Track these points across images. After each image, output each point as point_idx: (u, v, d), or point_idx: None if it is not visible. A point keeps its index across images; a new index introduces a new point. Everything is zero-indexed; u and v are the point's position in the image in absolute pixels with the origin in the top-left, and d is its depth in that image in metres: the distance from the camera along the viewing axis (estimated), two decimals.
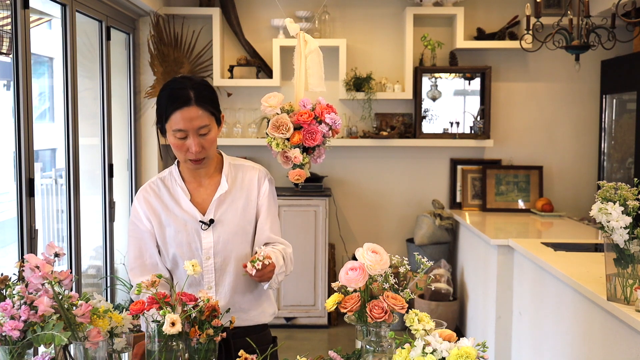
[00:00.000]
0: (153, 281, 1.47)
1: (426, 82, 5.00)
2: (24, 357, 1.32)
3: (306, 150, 1.87)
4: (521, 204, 4.98)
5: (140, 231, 1.97)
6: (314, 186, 4.79)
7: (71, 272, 1.38)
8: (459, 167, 5.10)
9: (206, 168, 1.97)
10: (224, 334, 1.52)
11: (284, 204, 4.71)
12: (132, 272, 1.97)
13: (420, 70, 4.94)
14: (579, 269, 2.81)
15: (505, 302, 3.67)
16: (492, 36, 4.92)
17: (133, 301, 1.60)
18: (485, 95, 4.96)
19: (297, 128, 1.84)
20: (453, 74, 5.03)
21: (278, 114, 1.86)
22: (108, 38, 4.03)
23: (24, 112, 2.82)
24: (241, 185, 2.00)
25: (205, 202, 1.96)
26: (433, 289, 4.48)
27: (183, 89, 1.84)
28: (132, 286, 1.85)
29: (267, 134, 1.89)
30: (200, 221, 1.93)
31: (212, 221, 1.93)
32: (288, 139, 1.85)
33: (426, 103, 5.01)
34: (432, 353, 1.23)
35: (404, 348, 1.27)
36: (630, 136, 4.43)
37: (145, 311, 1.45)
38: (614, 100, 4.80)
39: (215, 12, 4.83)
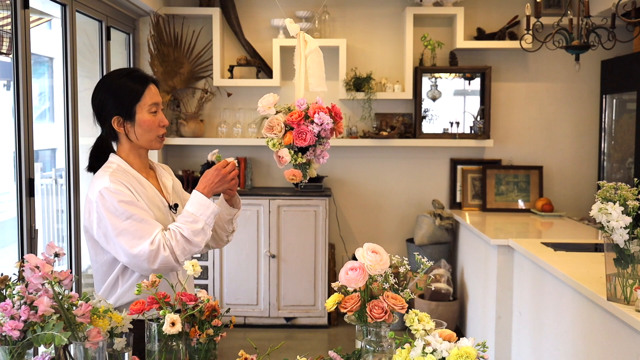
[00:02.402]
0: (153, 281, 1.47)
1: (426, 82, 5.00)
2: (24, 357, 1.32)
3: (301, 150, 1.87)
4: (521, 204, 4.98)
5: (141, 204, 1.93)
6: (314, 186, 4.79)
7: (71, 272, 1.38)
8: (459, 167, 5.10)
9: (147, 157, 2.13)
10: (224, 334, 1.52)
11: (284, 204, 4.71)
12: (160, 233, 1.90)
13: (420, 70, 4.94)
14: (579, 269, 2.81)
15: (505, 302, 3.67)
16: (492, 36, 4.92)
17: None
18: (485, 95, 4.96)
19: (291, 128, 1.84)
20: (453, 74, 5.03)
21: (273, 114, 1.87)
22: (108, 38, 4.03)
23: (24, 112, 2.82)
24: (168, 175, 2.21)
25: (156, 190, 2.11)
26: (433, 289, 4.48)
27: (138, 71, 2.06)
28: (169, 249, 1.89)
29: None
30: (170, 206, 2.06)
31: (176, 205, 2.09)
32: (282, 139, 1.86)
33: (426, 103, 5.01)
34: (432, 353, 1.23)
35: (404, 348, 1.27)
36: (630, 136, 4.43)
37: (145, 311, 1.45)
38: (614, 100, 4.80)
39: (215, 12, 4.83)
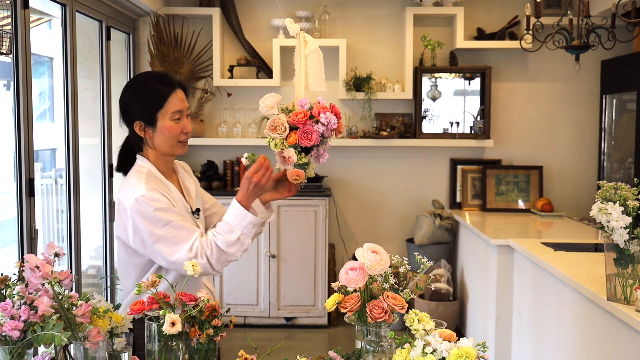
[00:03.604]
0: (153, 281, 1.47)
1: (426, 82, 5.00)
2: (24, 357, 1.32)
3: (305, 150, 1.86)
4: (521, 204, 4.98)
5: (176, 209, 1.92)
6: (314, 186, 4.79)
7: (71, 272, 1.38)
8: (459, 167, 5.10)
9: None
10: (224, 334, 1.52)
11: (284, 204, 4.71)
12: (198, 236, 1.89)
13: (420, 70, 4.94)
14: (579, 269, 2.81)
15: (505, 302, 3.67)
16: (492, 36, 4.92)
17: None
18: (485, 95, 4.96)
19: (294, 128, 1.84)
20: (453, 74, 5.03)
21: (276, 114, 1.86)
22: (108, 38, 4.03)
23: (24, 112, 2.82)
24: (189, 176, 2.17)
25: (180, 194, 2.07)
26: (433, 289, 4.48)
27: (167, 76, 2.00)
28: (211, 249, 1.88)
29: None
30: (193, 212, 2.03)
31: (198, 210, 2.07)
32: (285, 140, 1.85)
33: (426, 103, 5.01)
34: (432, 353, 1.22)
35: (404, 348, 1.27)
36: (630, 136, 4.43)
37: (145, 311, 1.45)
38: (614, 100, 4.80)
39: (215, 12, 4.83)
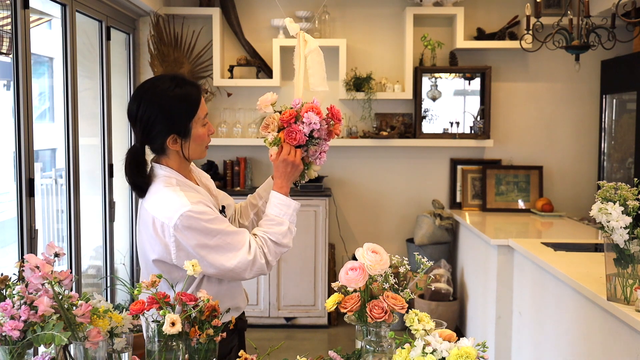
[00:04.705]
0: (153, 281, 1.47)
1: (426, 82, 5.00)
2: (24, 357, 1.32)
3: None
4: (521, 204, 4.98)
5: (219, 215, 1.85)
6: (314, 186, 4.79)
7: (71, 272, 1.38)
8: (459, 167, 5.10)
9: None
10: (224, 334, 1.52)
11: None
12: (248, 236, 1.84)
13: (420, 70, 4.94)
14: (579, 269, 2.81)
15: (505, 302, 3.67)
16: (492, 36, 4.92)
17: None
18: (485, 95, 4.96)
19: (284, 128, 1.87)
20: (453, 74, 5.03)
21: (275, 112, 1.89)
22: (108, 38, 4.03)
23: (24, 112, 2.82)
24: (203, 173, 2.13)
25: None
26: (433, 289, 4.48)
27: (184, 78, 1.88)
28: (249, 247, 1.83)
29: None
30: (220, 210, 1.98)
31: (224, 208, 2.02)
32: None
33: (426, 103, 5.01)
34: (432, 353, 1.22)
35: (404, 348, 1.27)
36: (630, 136, 4.43)
37: (145, 311, 1.45)
38: (614, 100, 4.80)
39: (215, 12, 4.83)
